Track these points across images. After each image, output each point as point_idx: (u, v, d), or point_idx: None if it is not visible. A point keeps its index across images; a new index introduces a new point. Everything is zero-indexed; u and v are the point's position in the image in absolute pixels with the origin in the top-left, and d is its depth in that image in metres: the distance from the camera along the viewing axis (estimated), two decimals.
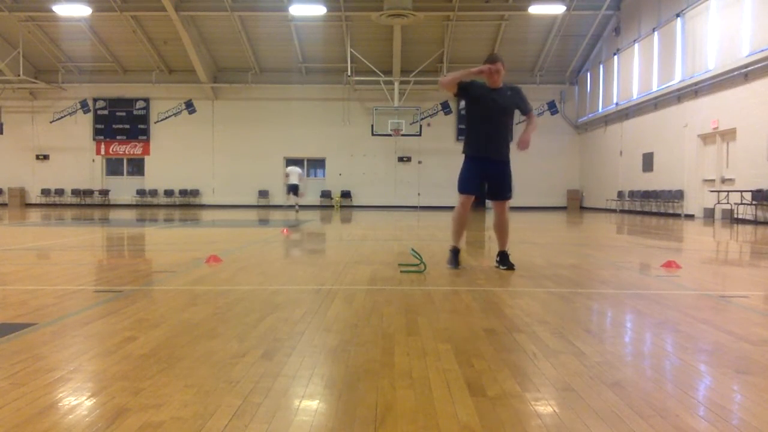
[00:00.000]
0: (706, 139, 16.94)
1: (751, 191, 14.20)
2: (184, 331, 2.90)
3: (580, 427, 1.74)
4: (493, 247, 8.28)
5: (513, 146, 5.30)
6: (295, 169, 19.88)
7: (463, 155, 5.44)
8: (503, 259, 5.32)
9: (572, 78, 26.69)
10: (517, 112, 5.45)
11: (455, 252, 5.38)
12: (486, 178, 5.37)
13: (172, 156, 27.24)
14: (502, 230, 5.45)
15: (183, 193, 27.36)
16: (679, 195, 17.94)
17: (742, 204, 14.55)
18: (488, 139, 5.24)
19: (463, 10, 22.37)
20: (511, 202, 5.55)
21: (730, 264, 6.48)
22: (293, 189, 19.82)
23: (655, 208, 19.63)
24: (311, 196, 27.05)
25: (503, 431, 1.73)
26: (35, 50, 25.49)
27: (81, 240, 8.91)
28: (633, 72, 21.08)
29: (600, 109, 24.01)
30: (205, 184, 27.29)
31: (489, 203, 5.63)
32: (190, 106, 27.32)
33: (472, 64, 22.02)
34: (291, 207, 20.17)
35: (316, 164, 27.70)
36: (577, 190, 26.66)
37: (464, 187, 5.36)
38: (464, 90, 5.23)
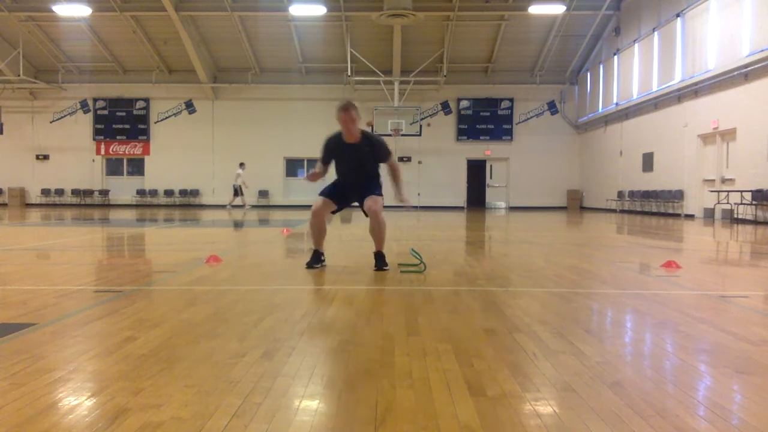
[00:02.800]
0: (706, 139, 16.94)
1: (751, 191, 14.19)
2: (184, 331, 2.90)
3: (580, 427, 1.74)
4: (493, 247, 8.28)
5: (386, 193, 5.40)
6: (236, 172, 20.94)
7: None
8: (378, 260, 5.25)
9: (572, 78, 26.68)
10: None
11: (316, 254, 5.40)
12: (351, 197, 5.50)
13: (172, 156, 27.22)
14: (375, 231, 5.35)
15: (183, 193, 27.35)
16: (679, 195, 17.93)
17: (742, 204, 14.55)
18: (348, 185, 5.39)
19: (463, 10, 22.37)
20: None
21: (730, 264, 6.48)
22: (234, 190, 20.99)
23: (655, 208, 19.62)
24: (312, 196, 26.97)
25: (503, 431, 1.73)
26: (35, 50, 25.48)
27: (81, 240, 8.91)
28: (633, 72, 21.08)
29: (600, 109, 24.01)
30: (205, 184, 27.27)
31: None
32: (190, 106, 27.31)
33: (472, 64, 22.22)
34: (241, 206, 20.94)
35: (316, 164, 27.69)
36: (577, 190, 26.66)
37: (324, 191, 5.49)
38: (327, 157, 5.41)
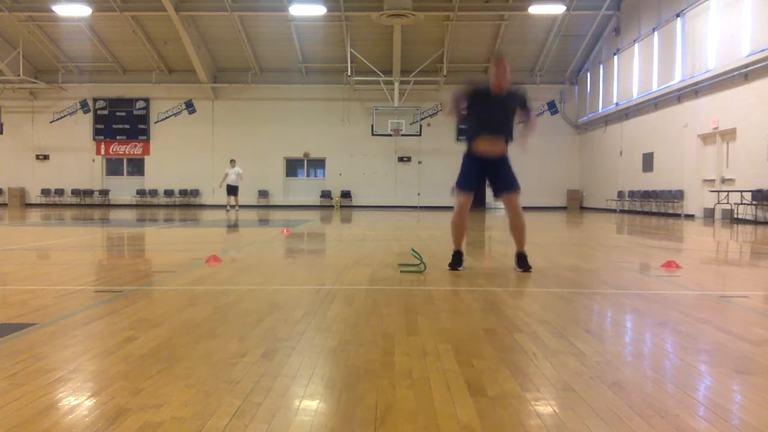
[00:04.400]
0: (706, 139, 16.93)
1: (751, 191, 14.19)
2: (184, 331, 2.90)
3: (580, 427, 1.74)
4: (493, 247, 8.28)
5: (513, 146, 5.28)
6: (235, 170, 20.13)
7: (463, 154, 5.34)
8: (521, 261, 5.12)
9: (572, 78, 26.68)
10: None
11: (457, 255, 5.21)
12: (486, 175, 5.23)
13: (172, 156, 27.23)
14: (517, 229, 5.19)
15: (183, 193, 27.35)
16: (679, 195, 17.93)
17: (742, 204, 14.55)
18: (486, 137, 5.14)
19: (463, 10, 22.37)
20: None
21: (730, 264, 6.48)
22: (233, 190, 20.18)
23: (655, 208, 19.62)
24: (312, 196, 27.06)
25: (503, 431, 1.73)
26: (35, 50, 25.48)
27: (81, 240, 8.91)
28: (633, 72, 21.07)
29: (600, 109, 24.01)
30: (205, 184, 27.27)
31: (499, 203, 5.51)
32: (190, 106, 27.32)
33: (472, 64, 22.22)
34: (232, 207, 20.33)
35: (316, 164, 27.70)
36: (577, 190, 26.66)
37: (462, 184, 5.20)
38: (470, 100, 5.16)
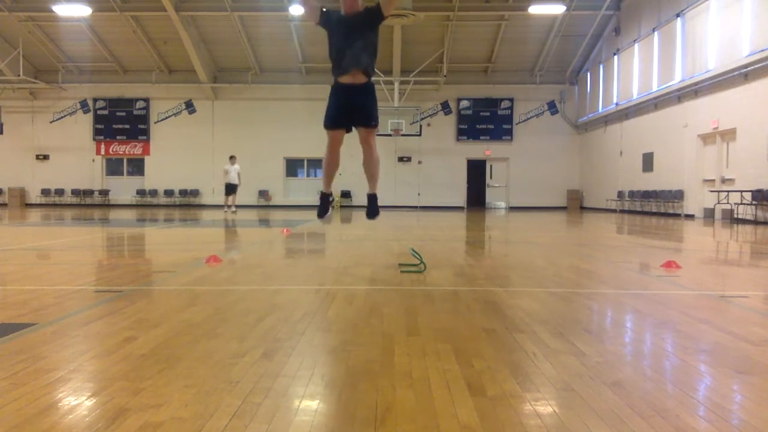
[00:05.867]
0: (706, 139, 16.93)
1: (751, 191, 14.19)
2: (184, 331, 2.90)
3: (580, 427, 1.74)
4: (493, 247, 8.28)
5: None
6: (235, 167, 18.93)
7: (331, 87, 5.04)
8: (371, 204, 5.06)
9: (572, 78, 26.68)
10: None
11: (325, 198, 5.07)
12: (349, 107, 4.93)
13: (172, 156, 27.22)
14: (368, 167, 5.03)
15: (183, 193, 27.35)
16: (679, 195, 17.93)
17: (742, 204, 14.55)
18: (347, 54, 4.82)
19: (463, 10, 22.36)
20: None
21: (730, 264, 6.48)
22: (232, 189, 18.91)
23: (655, 208, 19.62)
24: (311, 197, 27.05)
25: (503, 431, 1.73)
26: (35, 50, 25.48)
27: (81, 240, 8.91)
28: (633, 72, 21.07)
29: (600, 109, 24.00)
30: (205, 184, 27.26)
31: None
32: (190, 106, 27.31)
33: (472, 64, 22.19)
34: (229, 207, 19.12)
35: (316, 164, 27.67)
36: (577, 190, 26.65)
37: (330, 121, 4.92)
38: (326, 16, 4.86)
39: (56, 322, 3.09)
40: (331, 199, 5.14)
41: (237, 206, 20.40)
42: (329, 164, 5.05)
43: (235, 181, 19.16)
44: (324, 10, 4.83)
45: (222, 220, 14.92)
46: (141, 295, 3.95)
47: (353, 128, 4.95)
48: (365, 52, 4.79)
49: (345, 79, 4.84)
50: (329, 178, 5.11)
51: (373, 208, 5.08)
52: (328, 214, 5.09)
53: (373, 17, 4.79)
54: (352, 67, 4.78)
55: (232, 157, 19.65)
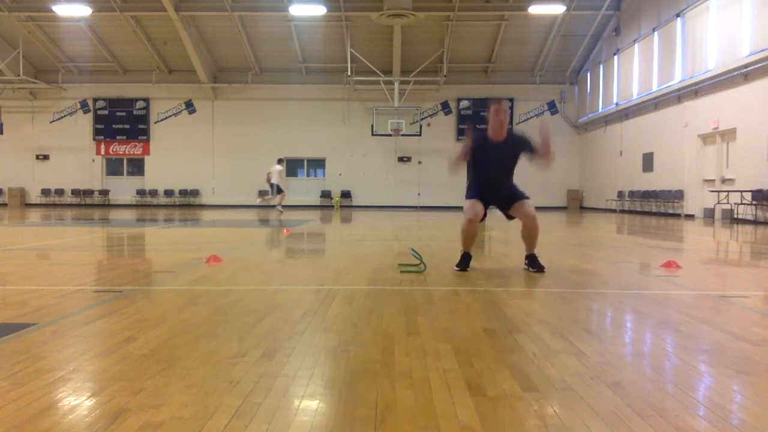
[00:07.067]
0: (706, 139, 16.94)
1: (751, 191, 14.19)
2: (184, 331, 2.90)
3: (580, 427, 1.74)
4: (493, 247, 8.28)
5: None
6: (276, 167, 19.05)
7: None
8: (534, 262, 5.20)
9: (572, 78, 26.69)
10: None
11: (466, 257, 5.25)
12: (492, 202, 5.34)
13: (172, 156, 27.23)
14: (532, 233, 5.26)
15: (183, 193, 27.36)
16: (679, 195, 17.93)
17: (742, 204, 14.55)
18: (490, 188, 5.26)
19: (463, 10, 22.37)
20: None
21: (730, 264, 6.48)
22: (278, 189, 18.99)
23: (655, 208, 19.62)
24: (311, 197, 27.05)
25: (503, 431, 1.73)
26: (35, 50, 25.49)
27: (81, 240, 8.91)
28: (633, 72, 21.07)
29: (600, 109, 24.01)
30: (205, 184, 27.28)
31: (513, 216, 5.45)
32: (190, 106, 27.31)
33: (472, 64, 22.16)
34: (277, 209, 19.16)
35: (316, 164, 27.69)
36: (577, 190, 26.66)
37: (472, 193, 5.29)
38: (477, 137, 5.23)
39: (56, 322, 3.09)
40: (470, 255, 5.29)
41: (239, 206, 20.47)
42: (471, 235, 5.28)
43: (273, 180, 19.17)
44: (473, 137, 5.22)
45: (223, 220, 14.93)
46: (141, 295, 3.95)
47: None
48: (509, 173, 5.37)
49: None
50: (468, 242, 5.29)
51: (538, 265, 5.17)
52: (468, 269, 5.21)
53: (523, 149, 5.26)
54: (491, 202, 5.31)
55: (280, 160, 20.02)
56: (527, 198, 5.28)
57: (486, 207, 5.32)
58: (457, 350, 2.57)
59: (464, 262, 5.22)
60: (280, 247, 7.99)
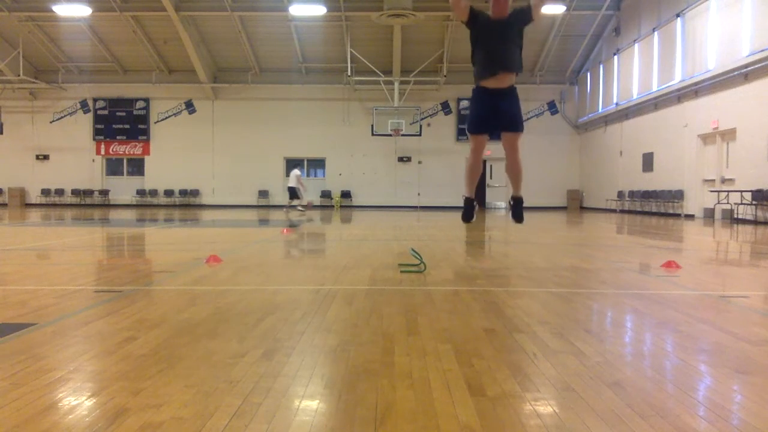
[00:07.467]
0: (706, 139, 16.93)
1: (751, 191, 14.19)
2: (184, 331, 2.90)
3: (580, 427, 1.74)
4: (493, 247, 8.28)
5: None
6: (294, 171, 19.47)
7: (472, 90, 5.02)
8: (516, 207, 4.96)
9: (572, 78, 26.68)
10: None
11: (469, 202, 4.97)
12: (495, 112, 4.92)
13: (172, 156, 27.22)
14: (513, 171, 4.94)
15: (183, 193, 27.35)
16: (679, 195, 17.93)
17: (742, 204, 14.55)
18: (495, 58, 4.83)
19: None
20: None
21: (730, 264, 6.48)
22: (292, 192, 19.39)
23: (655, 208, 19.62)
24: (311, 197, 27.05)
25: (503, 431, 1.73)
26: (35, 50, 25.48)
27: (81, 240, 8.91)
28: (633, 72, 21.07)
29: (600, 109, 24.01)
30: (205, 184, 27.27)
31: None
32: (190, 106, 27.31)
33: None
34: (297, 209, 19.43)
35: (316, 164, 27.68)
36: (577, 190, 26.65)
37: (474, 126, 4.89)
38: (474, 18, 4.83)
39: (56, 322, 3.09)
40: (474, 204, 5.00)
41: (239, 206, 20.53)
42: (473, 170, 4.99)
43: (294, 185, 19.48)
44: (473, 9, 4.83)
45: (223, 219, 14.93)
46: (141, 295, 3.95)
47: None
48: (513, 56, 4.82)
49: (491, 83, 4.83)
50: (472, 183, 5.02)
51: (519, 211, 4.96)
52: (473, 219, 4.95)
53: (521, 20, 4.83)
54: (500, 71, 4.78)
55: (297, 166, 20.24)
56: (518, 130, 4.90)
57: (491, 120, 4.88)
58: (457, 350, 2.57)
59: (468, 213, 4.94)
60: (280, 247, 7.99)
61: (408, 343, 2.70)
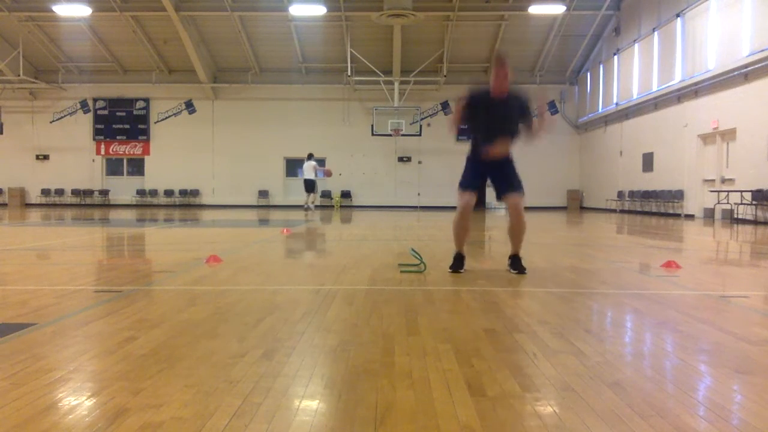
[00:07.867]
0: (706, 139, 16.94)
1: (751, 191, 14.19)
2: (184, 331, 2.90)
3: (580, 427, 1.74)
4: (493, 247, 8.28)
5: (519, 150, 5.22)
6: (310, 162, 18.17)
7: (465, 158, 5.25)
8: (515, 263, 5.05)
9: (572, 78, 26.68)
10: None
11: (458, 256, 5.10)
12: (490, 176, 5.12)
13: (172, 156, 27.23)
14: (516, 232, 5.08)
15: (183, 193, 27.35)
16: (679, 195, 17.93)
17: (742, 204, 14.55)
18: (492, 134, 5.00)
19: (463, 10, 22.37)
20: None
21: (730, 264, 6.48)
22: (310, 186, 17.94)
23: (655, 208, 19.62)
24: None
25: (503, 431, 1.73)
26: (35, 50, 25.48)
27: (81, 240, 8.91)
28: (633, 72, 21.07)
29: (600, 109, 24.01)
30: (205, 184, 27.28)
31: (500, 204, 5.42)
32: (190, 106, 27.31)
33: (472, 64, 22.17)
34: (308, 208, 17.97)
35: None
36: (577, 190, 26.66)
37: (465, 183, 5.09)
38: (472, 101, 5.03)
39: (56, 322, 3.09)
40: (463, 257, 5.12)
41: (239, 206, 20.10)
42: (461, 229, 5.14)
43: (312, 177, 18.08)
44: (471, 95, 5.05)
45: (223, 219, 14.92)
46: (141, 295, 3.95)
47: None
48: (511, 133, 5.04)
49: (488, 157, 5.03)
50: (460, 241, 5.14)
51: (519, 265, 5.03)
52: (463, 270, 5.06)
53: (519, 112, 5.03)
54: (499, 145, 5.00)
55: (309, 155, 18.87)
56: (520, 192, 5.07)
57: (482, 184, 5.14)
58: (457, 350, 2.57)
59: (457, 264, 5.06)
60: (280, 247, 7.99)
61: (408, 343, 2.70)
